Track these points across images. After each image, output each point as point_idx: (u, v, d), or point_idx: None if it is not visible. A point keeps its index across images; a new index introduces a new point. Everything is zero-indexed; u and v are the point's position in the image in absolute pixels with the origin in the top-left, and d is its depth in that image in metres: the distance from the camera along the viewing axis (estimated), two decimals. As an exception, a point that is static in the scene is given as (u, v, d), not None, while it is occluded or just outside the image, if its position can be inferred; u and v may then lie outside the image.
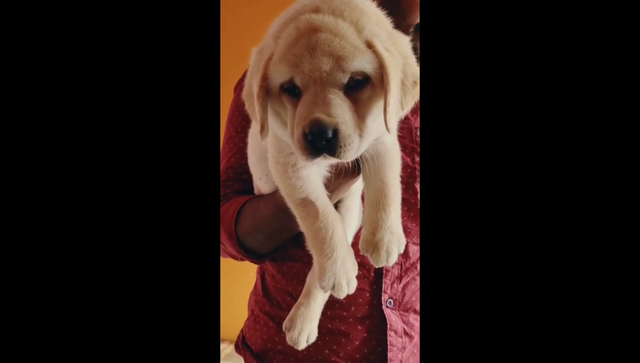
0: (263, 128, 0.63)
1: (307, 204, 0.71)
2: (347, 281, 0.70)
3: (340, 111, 0.56)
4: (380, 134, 0.68)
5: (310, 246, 0.73)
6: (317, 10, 0.60)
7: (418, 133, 1.02)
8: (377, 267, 0.71)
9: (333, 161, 0.65)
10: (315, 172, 0.74)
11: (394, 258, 0.70)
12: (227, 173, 1.08)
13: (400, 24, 0.95)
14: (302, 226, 0.74)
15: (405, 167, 1.01)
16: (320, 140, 0.55)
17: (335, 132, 0.55)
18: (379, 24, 0.62)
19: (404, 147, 1.02)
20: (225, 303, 3.03)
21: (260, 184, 0.94)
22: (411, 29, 0.98)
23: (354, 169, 0.76)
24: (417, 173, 1.00)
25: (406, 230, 1.00)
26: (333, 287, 0.70)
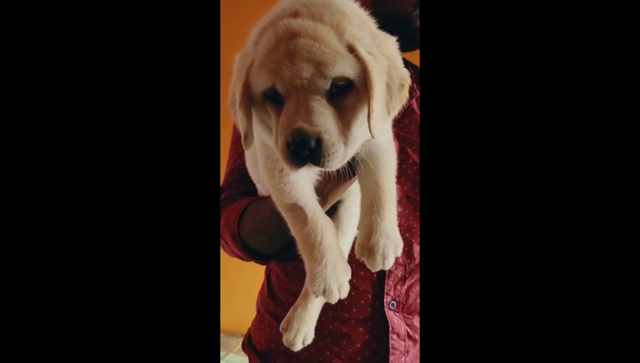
0: (246, 137, 0.63)
1: (296, 209, 0.71)
2: (338, 286, 0.70)
3: (323, 119, 0.54)
4: (368, 138, 0.67)
5: (301, 251, 0.73)
6: (295, 14, 0.58)
7: None
8: (373, 271, 0.71)
9: (318, 170, 0.65)
10: (304, 177, 0.73)
11: (390, 262, 0.69)
12: (233, 174, 1.08)
13: (401, 0, 0.93)
14: (292, 231, 0.74)
15: (412, 164, 1.00)
16: (303, 150, 0.54)
17: (319, 141, 0.54)
18: (362, 26, 0.60)
19: (411, 143, 1.01)
20: (244, 297, 3.07)
21: (259, 188, 0.94)
22: (412, 7, 0.95)
23: (347, 173, 0.74)
24: None
25: (411, 230, 0.99)
26: (324, 292, 0.69)
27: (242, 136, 0.63)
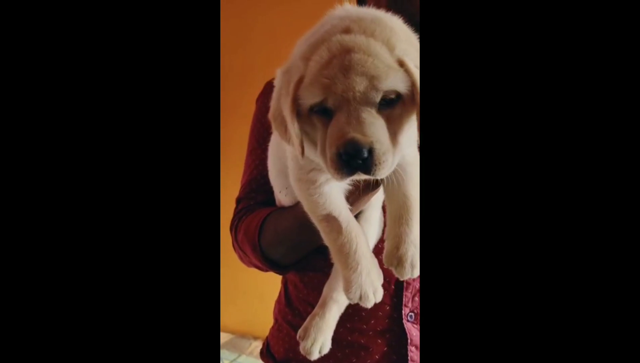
0: (302, 150, 0.64)
1: (330, 219, 0.73)
2: (373, 291, 0.72)
3: (374, 129, 0.56)
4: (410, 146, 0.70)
5: (335, 259, 0.75)
6: (347, 30, 0.60)
7: None
8: (402, 279, 0.73)
9: (364, 178, 0.66)
10: (336, 187, 0.75)
11: (417, 271, 0.72)
12: (250, 185, 1.09)
13: (415, 5, 0.93)
14: (327, 241, 0.76)
15: None
16: (356, 159, 0.56)
17: (371, 151, 0.56)
18: (409, 41, 0.63)
19: None
20: (256, 299, 3.08)
21: (281, 197, 0.95)
22: None
23: (372, 184, 0.76)
24: None
25: None
26: (360, 298, 0.72)
27: (298, 149, 0.64)
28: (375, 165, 0.57)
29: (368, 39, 0.58)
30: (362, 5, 1.08)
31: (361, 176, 0.61)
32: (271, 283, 1.21)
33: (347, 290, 0.72)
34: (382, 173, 0.59)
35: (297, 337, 0.90)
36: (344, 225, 0.73)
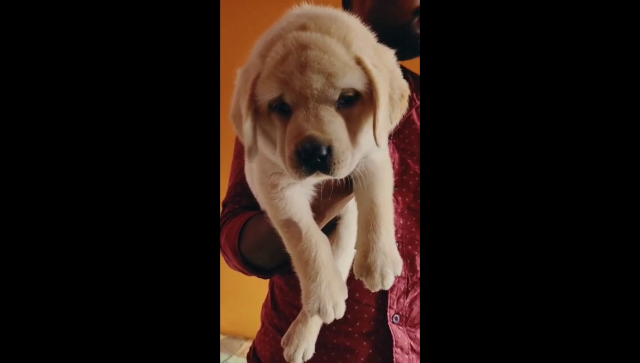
0: (251, 151, 0.63)
1: (290, 225, 0.71)
2: (333, 305, 0.68)
3: (333, 127, 0.56)
4: (369, 151, 0.68)
5: (296, 268, 0.72)
6: (304, 27, 0.59)
7: None
8: (373, 291, 0.70)
9: (324, 178, 0.65)
10: (299, 193, 0.73)
11: (389, 281, 0.69)
12: (235, 189, 1.09)
13: (400, 8, 0.93)
14: (287, 247, 0.73)
15: (413, 175, 1.00)
16: (314, 157, 0.55)
17: (329, 149, 0.55)
18: (366, 40, 0.62)
19: (411, 154, 1.01)
20: (246, 300, 3.08)
21: (260, 201, 0.94)
22: (411, 15, 0.96)
23: (345, 187, 0.74)
24: None
25: (414, 242, 0.99)
26: (318, 311, 0.68)
27: (247, 148, 0.63)
28: (334, 164, 0.56)
29: (324, 36, 0.58)
30: (347, 8, 1.07)
31: (320, 177, 0.59)
32: (262, 284, 1.20)
33: (306, 301, 0.68)
34: (341, 172, 0.58)
35: (282, 343, 0.89)
36: (303, 231, 0.70)
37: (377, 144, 0.60)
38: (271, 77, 0.58)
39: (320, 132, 0.55)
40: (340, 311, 0.70)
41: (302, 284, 0.71)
